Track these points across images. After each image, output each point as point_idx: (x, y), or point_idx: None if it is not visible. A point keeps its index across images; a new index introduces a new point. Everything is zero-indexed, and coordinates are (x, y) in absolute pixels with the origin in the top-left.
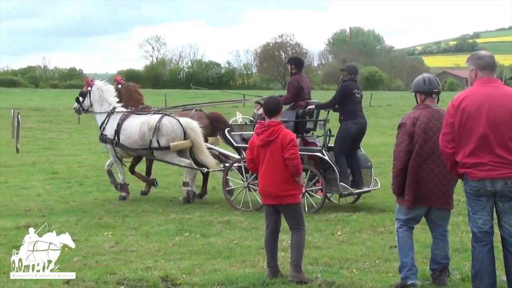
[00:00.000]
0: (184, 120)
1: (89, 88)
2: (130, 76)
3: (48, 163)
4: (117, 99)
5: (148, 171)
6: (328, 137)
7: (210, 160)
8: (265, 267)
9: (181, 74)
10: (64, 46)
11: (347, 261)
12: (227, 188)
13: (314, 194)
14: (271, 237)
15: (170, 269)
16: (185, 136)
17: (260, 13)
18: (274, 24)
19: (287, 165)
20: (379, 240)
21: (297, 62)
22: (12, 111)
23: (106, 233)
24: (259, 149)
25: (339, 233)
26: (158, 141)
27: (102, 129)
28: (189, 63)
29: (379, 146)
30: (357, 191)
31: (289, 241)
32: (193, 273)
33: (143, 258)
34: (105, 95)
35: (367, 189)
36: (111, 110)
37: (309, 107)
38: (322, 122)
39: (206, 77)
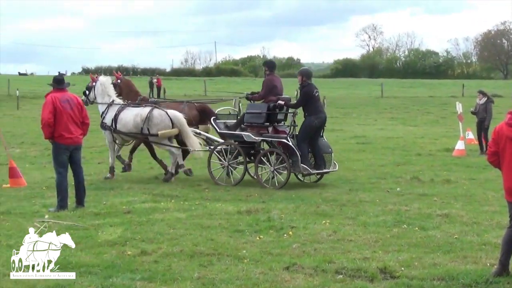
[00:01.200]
0: (171, 112)
1: (94, 84)
2: (346, 65)
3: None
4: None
5: (133, 149)
6: (293, 127)
7: (194, 142)
8: (487, 264)
9: (398, 63)
10: (283, 35)
11: None
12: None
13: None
14: None
15: (388, 260)
16: (173, 125)
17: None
18: (497, 11)
19: None
20: None
21: (270, 65)
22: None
23: (323, 221)
24: (509, 142)
25: None
26: (148, 129)
27: (102, 118)
28: (406, 52)
29: None
30: (316, 171)
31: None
32: (412, 266)
33: (360, 248)
34: (107, 89)
35: (326, 170)
36: (110, 102)
37: (278, 102)
38: (292, 114)
39: (423, 66)
